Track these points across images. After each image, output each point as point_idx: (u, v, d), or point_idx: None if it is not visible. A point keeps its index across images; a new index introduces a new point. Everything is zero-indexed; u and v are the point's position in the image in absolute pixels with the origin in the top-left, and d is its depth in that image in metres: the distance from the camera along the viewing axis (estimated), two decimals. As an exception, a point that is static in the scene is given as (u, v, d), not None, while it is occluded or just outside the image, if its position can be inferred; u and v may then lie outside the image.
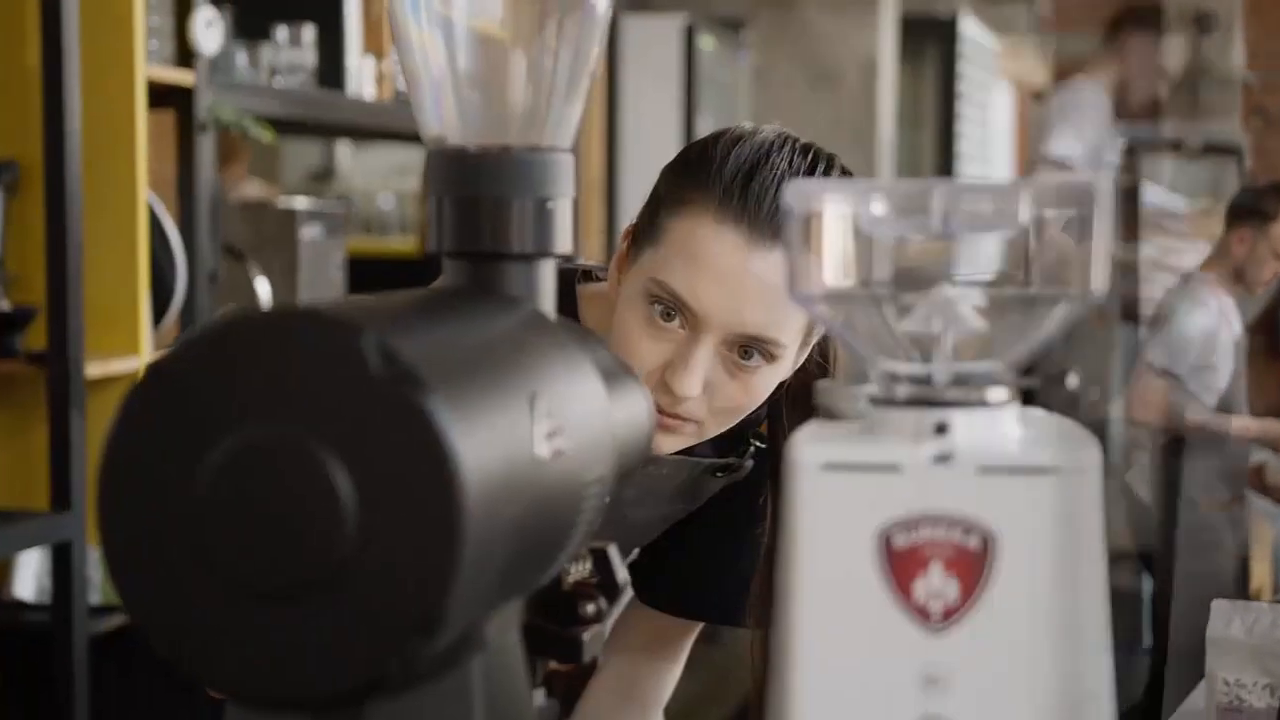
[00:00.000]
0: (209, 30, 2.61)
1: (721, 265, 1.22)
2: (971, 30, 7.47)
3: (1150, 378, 4.21)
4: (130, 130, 2.45)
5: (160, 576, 0.62)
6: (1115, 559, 4.11)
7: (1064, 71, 9.91)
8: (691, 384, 1.25)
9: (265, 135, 2.71)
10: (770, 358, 1.26)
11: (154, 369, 0.62)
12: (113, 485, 0.63)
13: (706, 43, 4.89)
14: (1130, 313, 4.79)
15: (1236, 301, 4.45)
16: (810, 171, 1.28)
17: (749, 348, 1.26)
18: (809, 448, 0.69)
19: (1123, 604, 3.87)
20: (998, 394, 0.71)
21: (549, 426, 0.69)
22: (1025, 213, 0.69)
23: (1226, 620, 2.05)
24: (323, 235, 3.01)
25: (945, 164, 7.42)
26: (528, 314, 0.78)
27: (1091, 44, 10.23)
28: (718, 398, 1.27)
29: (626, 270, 1.30)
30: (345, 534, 0.60)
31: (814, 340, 1.33)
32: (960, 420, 0.69)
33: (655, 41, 4.88)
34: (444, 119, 0.82)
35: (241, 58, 2.91)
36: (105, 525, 0.63)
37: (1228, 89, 9.53)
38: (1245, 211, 4.38)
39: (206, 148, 2.64)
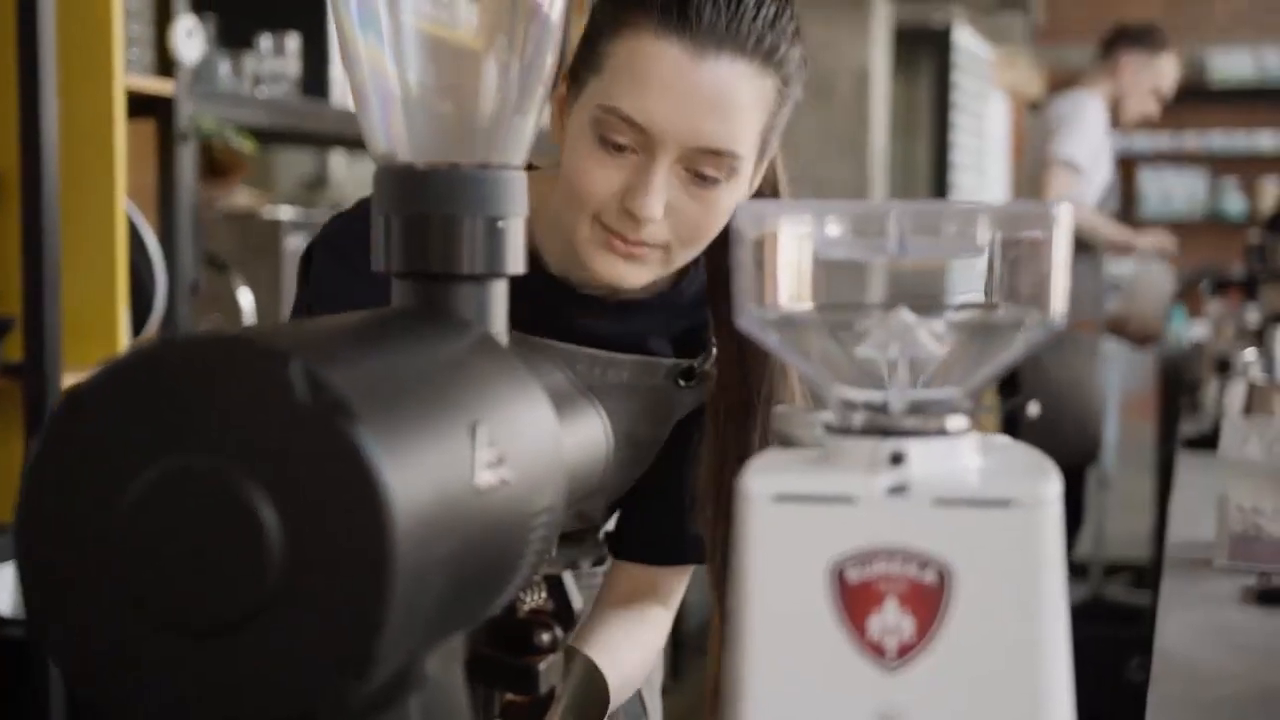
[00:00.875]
0: (190, 39, 2.58)
1: (668, 79, 1.20)
2: (966, 40, 7.46)
3: (1059, 169, 4.33)
4: (109, 139, 2.42)
5: (80, 609, 0.60)
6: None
7: (1058, 82, 9.90)
8: (652, 204, 1.22)
9: (246, 145, 2.68)
10: (729, 173, 1.24)
11: (75, 395, 0.60)
12: (32, 515, 0.60)
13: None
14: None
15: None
16: None
17: (705, 170, 1.23)
18: (760, 478, 0.67)
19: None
20: (956, 422, 0.69)
21: (491, 455, 0.67)
22: (983, 237, 0.67)
23: (1241, 438, 1.95)
24: (308, 245, 2.99)
25: (940, 174, 7.40)
26: (476, 337, 0.75)
27: (1086, 55, 10.22)
28: (681, 221, 1.25)
29: (569, 110, 1.28)
30: (271, 568, 0.58)
31: (769, 156, 1.31)
32: (917, 450, 0.67)
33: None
34: (392, 135, 0.80)
35: (224, 66, 2.89)
36: (23, 555, 0.60)
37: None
38: (1132, 40, 4.50)
39: (187, 158, 2.62)
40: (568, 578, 0.90)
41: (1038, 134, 4.53)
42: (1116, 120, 4.53)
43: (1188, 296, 9.78)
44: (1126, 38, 4.52)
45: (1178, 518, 2.23)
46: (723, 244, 1.29)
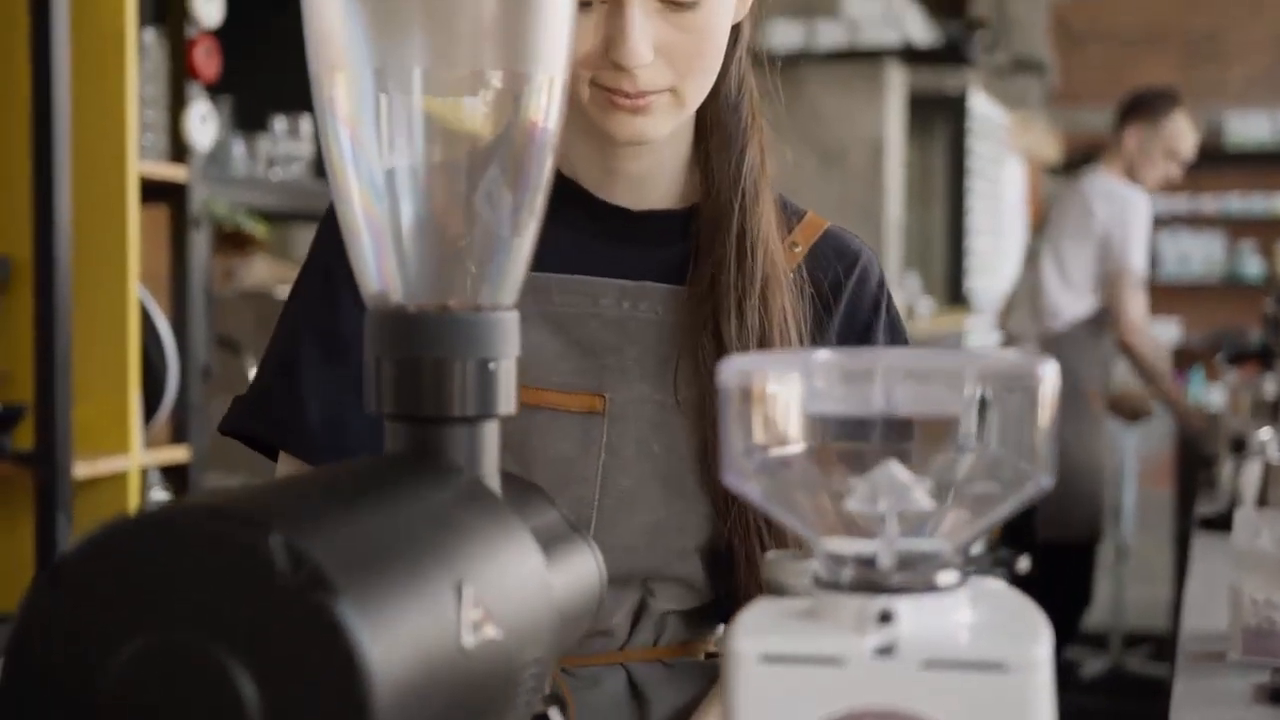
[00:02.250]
0: (203, 125, 2.60)
1: None
2: (981, 106, 7.48)
3: (1134, 289, 4.36)
4: (122, 227, 2.44)
5: (61, 783, 0.60)
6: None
7: (1075, 145, 9.93)
8: (634, 50, 1.14)
9: (259, 230, 2.70)
10: None
11: (56, 569, 0.60)
12: (12, 689, 0.60)
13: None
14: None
15: None
16: None
17: None
18: (748, 639, 0.66)
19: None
20: (946, 577, 0.68)
21: (478, 614, 0.67)
22: (969, 392, 0.67)
23: (1254, 530, 1.92)
24: (321, 325, 2.99)
25: (955, 239, 7.41)
26: (464, 485, 0.75)
27: (1102, 117, 10.24)
28: (676, 56, 1.16)
29: None
30: (251, 744, 0.57)
31: None
32: (906, 608, 0.66)
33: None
34: (384, 276, 0.80)
35: (239, 148, 2.91)
36: (4, 731, 0.60)
37: (1034, 6, 9.55)
38: (1137, 109, 4.49)
39: (200, 243, 2.63)
40: (553, 714, 0.89)
41: (1078, 217, 4.51)
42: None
43: (1205, 361, 9.76)
44: (1131, 108, 4.55)
45: (1192, 607, 2.21)
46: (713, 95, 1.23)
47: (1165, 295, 10.16)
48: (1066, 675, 5.19)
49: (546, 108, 0.80)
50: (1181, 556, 4.33)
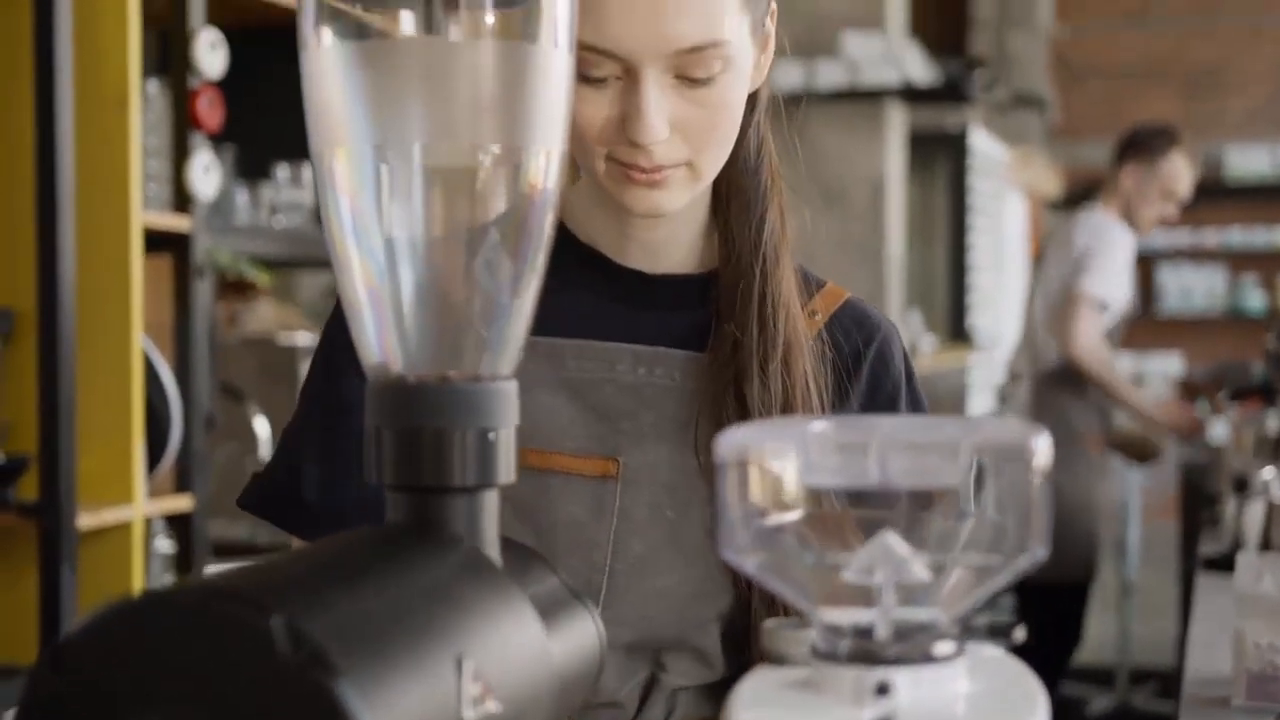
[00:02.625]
0: (206, 175, 2.62)
1: None
2: (981, 143, 7.51)
3: (1087, 310, 4.30)
4: (125, 277, 2.45)
5: None
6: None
7: (1076, 180, 9.97)
8: (650, 127, 1.13)
9: (261, 279, 2.71)
10: (723, 64, 1.14)
11: (57, 651, 0.60)
12: (16, 769, 0.60)
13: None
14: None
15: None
16: None
17: (694, 73, 1.13)
18: (747, 711, 0.66)
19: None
20: (944, 648, 0.68)
21: (478, 689, 0.67)
22: (962, 467, 0.67)
23: (1256, 574, 1.91)
24: (324, 371, 3.01)
25: (957, 275, 7.43)
26: (464, 556, 0.76)
27: (1103, 152, 10.27)
28: (691, 131, 1.15)
29: None
30: (252, 826, 0.58)
31: (767, 20, 1.22)
32: (904, 679, 0.67)
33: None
34: (384, 347, 0.80)
35: (242, 196, 2.92)
36: (7, 812, 0.60)
37: (1034, 41, 9.58)
38: (1134, 148, 4.48)
39: (203, 292, 2.64)
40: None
41: (1061, 248, 4.53)
42: (1133, 225, 4.55)
43: (1209, 395, 9.76)
44: (1128, 147, 4.56)
45: (1196, 649, 2.21)
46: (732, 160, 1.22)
47: (1167, 329, 10.18)
48: (1072, 712, 5.17)
49: (544, 178, 0.81)
50: (1186, 593, 4.33)
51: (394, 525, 0.79)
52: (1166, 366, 10.12)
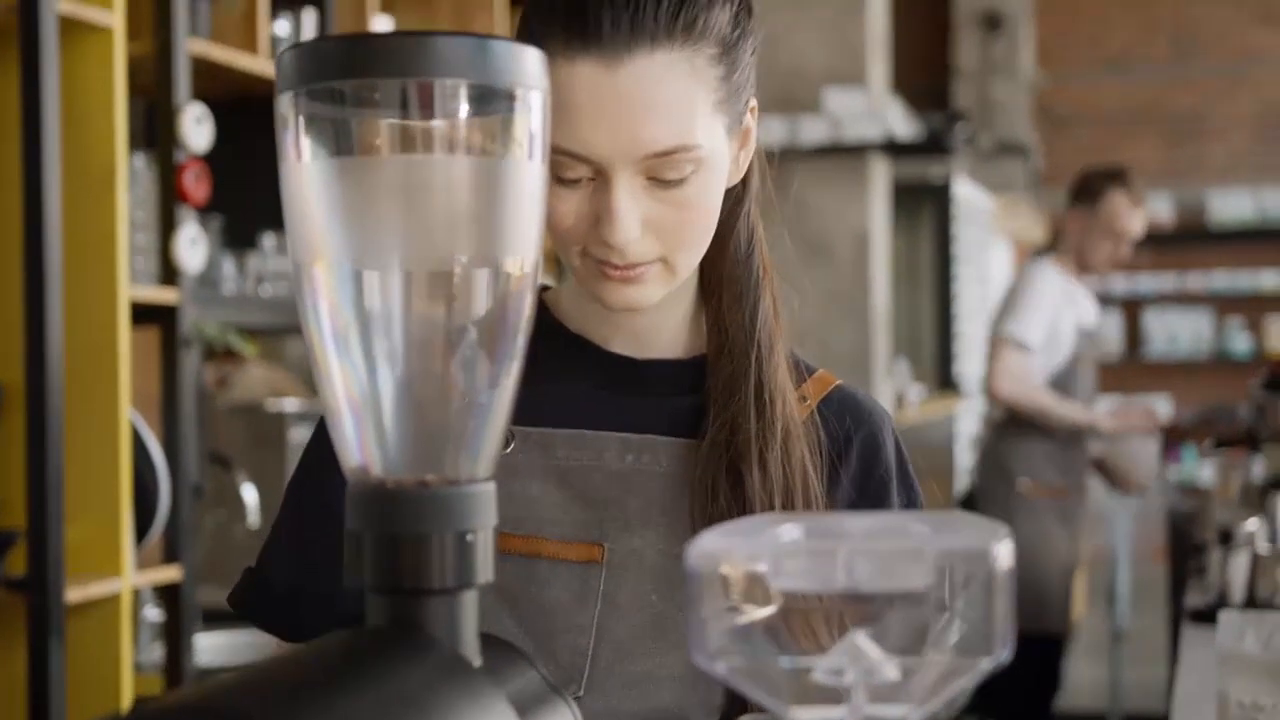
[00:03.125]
0: (193, 248, 2.64)
1: (589, 99, 1.12)
2: (965, 192, 7.56)
3: (1008, 350, 4.31)
4: (113, 351, 2.46)
5: None
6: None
7: (1061, 226, 10.03)
8: (622, 229, 1.14)
9: (248, 350, 2.73)
10: (694, 165, 1.15)
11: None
12: None
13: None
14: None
15: (1087, 289, 4.64)
16: None
17: (665, 175, 1.14)
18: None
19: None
20: (913, 748, 0.70)
21: (457, 795, 0.69)
22: (927, 572, 0.69)
23: (1238, 632, 1.91)
24: (312, 437, 3.02)
25: (943, 324, 7.46)
26: (442, 658, 0.77)
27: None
28: (665, 230, 1.16)
29: None
30: None
31: (743, 117, 1.22)
32: (874, 778, 0.68)
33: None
34: (364, 452, 0.82)
35: (229, 266, 2.94)
36: None
37: (1017, 90, 9.65)
38: (1077, 194, 4.51)
39: (190, 364, 2.66)
40: None
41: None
42: (1088, 269, 4.57)
43: (1197, 439, 9.79)
44: (1072, 193, 4.59)
45: (1181, 708, 2.22)
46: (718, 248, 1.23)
47: (1155, 372, 10.22)
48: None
49: (520, 285, 0.83)
50: (1175, 641, 4.34)
51: (374, 628, 0.80)
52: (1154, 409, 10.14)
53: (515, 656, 0.87)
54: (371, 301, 0.81)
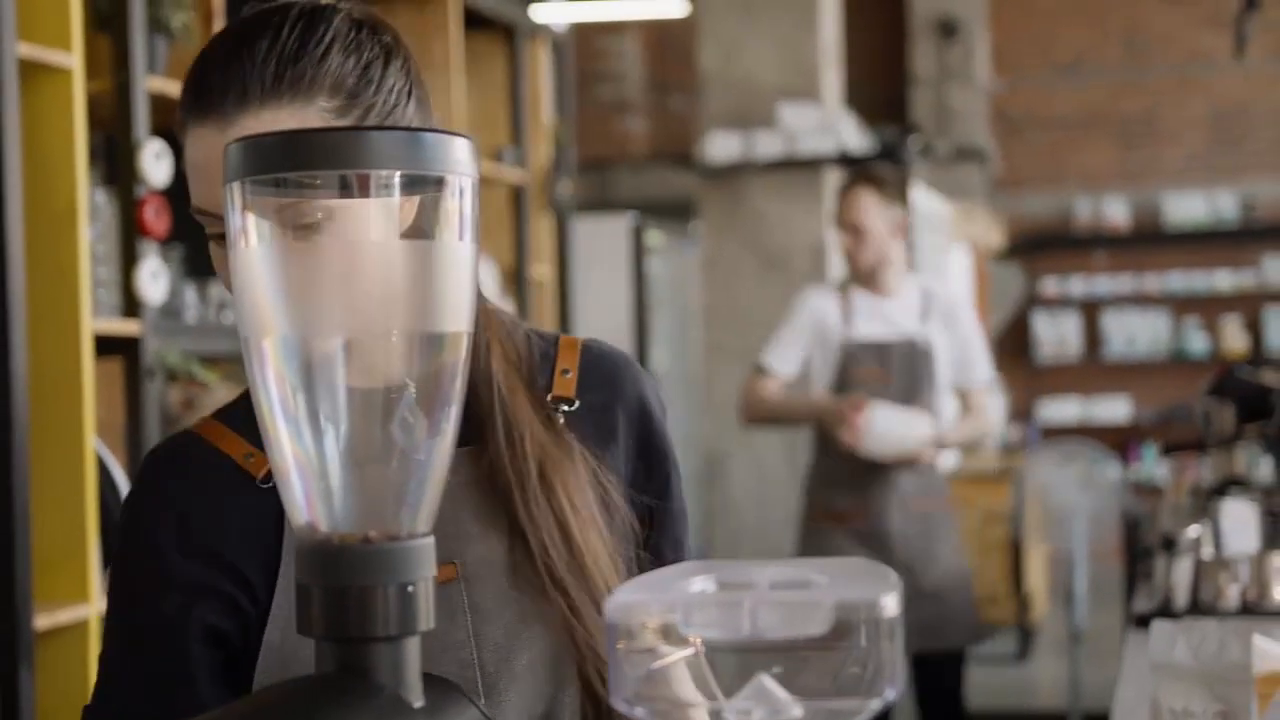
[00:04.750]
0: (154, 280, 2.69)
1: (206, 158, 1.19)
2: (923, 200, 7.64)
3: (751, 379, 4.14)
4: (77, 382, 2.52)
5: None
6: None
7: (1018, 230, 10.15)
8: None
9: (210, 379, 2.79)
10: (326, 212, 1.15)
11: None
12: None
13: (654, 238, 5.02)
14: None
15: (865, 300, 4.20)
16: (260, 25, 1.22)
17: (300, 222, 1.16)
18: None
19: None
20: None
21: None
22: (824, 624, 0.76)
23: (1170, 642, 1.97)
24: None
25: (903, 330, 7.54)
26: (386, 703, 0.84)
27: (1044, 202, 10.45)
28: None
29: None
30: None
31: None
32: (776, 810, 0.75)
33: (605, 239, 5.03)
34: (311, 509, 0.89)
35: (191, 294, 3.00)
36: None
37: (974, 96, 9.76)
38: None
39: (153, 394, 2.71)
40: None
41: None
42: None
43: (1157, 438, 9.92)
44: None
45: (1121, 713, 2.29)
46: None
47: (1113, 373, 10.35)
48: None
49: (455, 351, 0.90)
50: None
51: (323, 674, 0.87)
52: (1114, 410, 10.29)
53: (455, 695, 0.94)
54: (315, 371, 0.88)
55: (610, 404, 1.35)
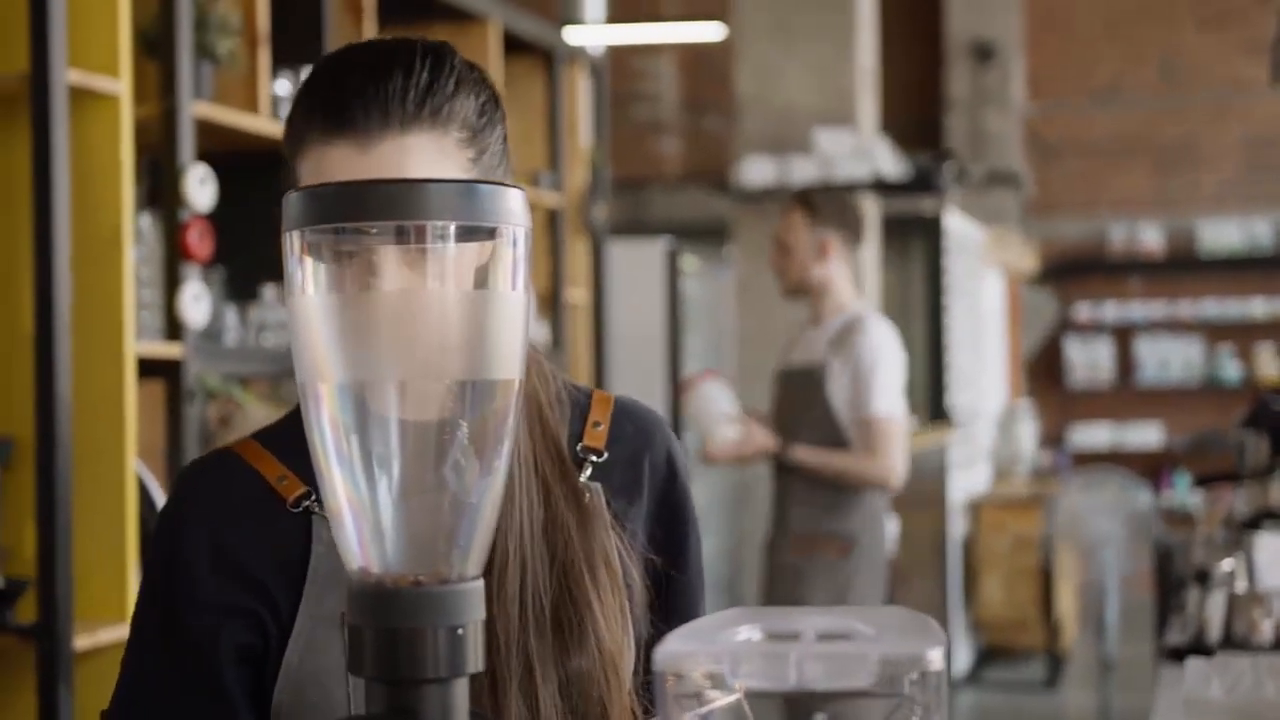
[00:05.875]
0: (197, 304, 2.72)
1: (342, 176, 1.21)
2: (956, 224, 7.64)
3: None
4: (120, 405, 2.55)
5: None
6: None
7: (1051, 254, 10.13)
8: None
9: (248, 400, 2.81)
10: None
11: None
12: None
13: (689, 263, 5.03)
14: None
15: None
16: (392, 54, 1.25)
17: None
18: None
19: None
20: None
21: None
22: (870, 676, 0.77)
23: (1205, 679, 1.98)
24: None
25: (935, 355, 7.54)
26: (437, 747, 0.85)
27: (1078, 228, 10.43)
28: None
29: None
30: None
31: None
32: None
33: (640, 262, 5.05)
34: (365, 553, 0.91)
35: (232, 317, 3.03)
36: None
37: (1008, 121, 9.72)
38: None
39: (194, 415, 2.74)
40: None
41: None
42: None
43: (1189, 465, 9.87)
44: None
45: (1154, 751, 2.29)
46: None
47: (1146, 400, 10.30)
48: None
49: (506, 397, 0.92)
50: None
51: (373, 714, 0.88)
52: (1146, 437, 10.25)
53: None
54: (370, 416, 0.90)
55: (638, 460, 1.37)
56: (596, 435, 1.35)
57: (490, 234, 0.89)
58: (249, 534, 1.29)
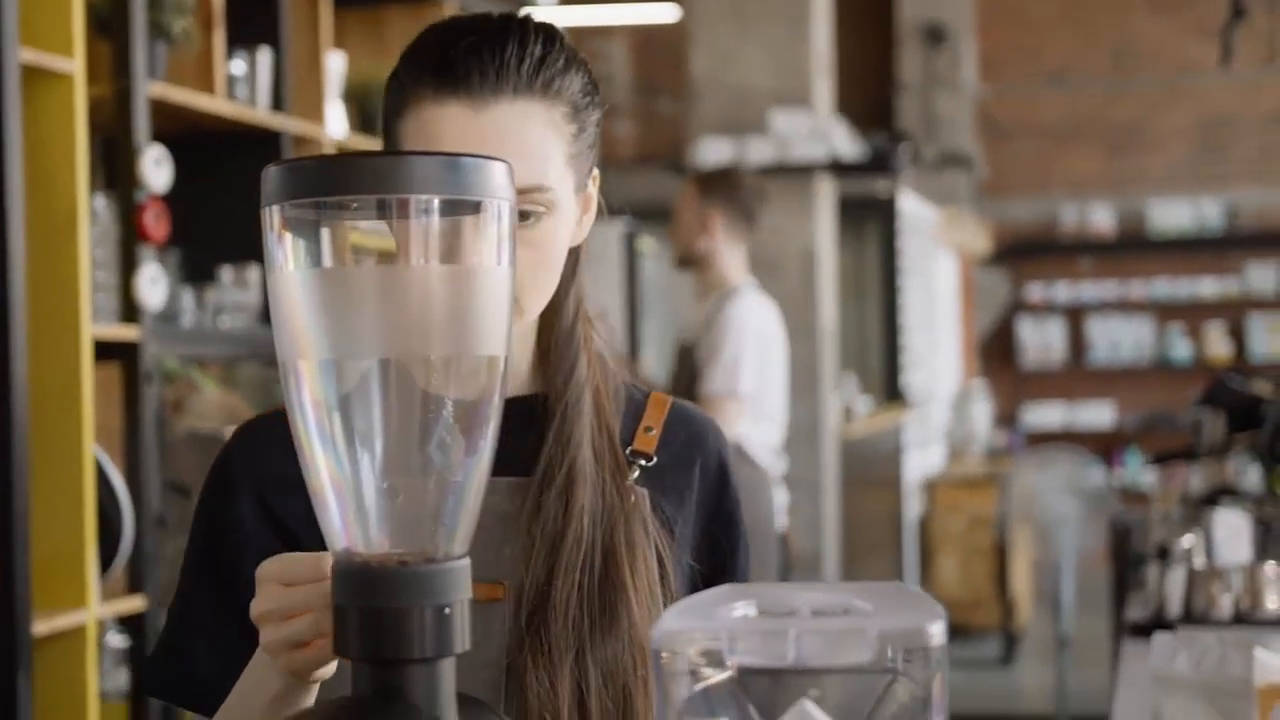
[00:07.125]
0: (153, 286, 2.69)
1: (455, 135, 1.21)
2: (910, 205, 7.66)
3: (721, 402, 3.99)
4: (77, 388, 2.51)
5: None
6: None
7: (1004, 236, 10.17)
8: None
9: (207, 384, 2.78)
10: (547, 206, 1.23)
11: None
12: None
13: (646, 244, 5.02)
14: None
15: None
16: (505, 25, 1.26)
17: (520, 208, 1.18)
18: None
19: None
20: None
21: None
22: (868, 651, 0.76)
23: (1171, 654, 1.97)
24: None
25: (890, 336, 7.57)
26: (423, 728, 0.84)
27: (1031, 208, 10.48)
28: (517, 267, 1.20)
29: None
30: None
31: (589, 178, 1.30)
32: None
33: (596, 245, 5.00)
34: (348, 534, 0.89)
35: (189, 299, 3.00)
36: None
37: (961, 103, 9.78)
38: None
39: (151, 398, 2.71)
40: None
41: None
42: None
43: (1140, 443, 9.95)
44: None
45: (1119, 725, 2.29)
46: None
47: (1097, 379, 10.37)
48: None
49: (491, 373, 0.90)
50: (1117, 649, 4.43)
51: (359, 696, 0.87)
52: (1098, 416, 10.32)
53: (490, 716, 0.94)
54: (352, 393, 0.88)
55: (688, 465, 1.36)
56: (648, 440, 1.35)
57: (475, 208, 0.88)
58: (292, 490, 1.27)
